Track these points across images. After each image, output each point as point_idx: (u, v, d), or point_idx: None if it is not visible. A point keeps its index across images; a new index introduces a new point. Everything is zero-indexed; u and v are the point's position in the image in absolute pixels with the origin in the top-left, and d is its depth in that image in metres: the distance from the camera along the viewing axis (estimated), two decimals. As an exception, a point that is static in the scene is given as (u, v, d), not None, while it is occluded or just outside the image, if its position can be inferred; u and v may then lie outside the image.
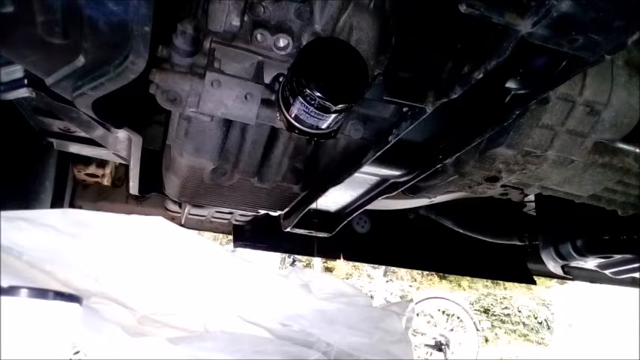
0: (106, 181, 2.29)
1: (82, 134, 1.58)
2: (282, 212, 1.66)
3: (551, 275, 2.49)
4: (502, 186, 1.40)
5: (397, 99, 1.00)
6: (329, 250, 2.70)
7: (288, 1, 0.98)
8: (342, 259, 2.72)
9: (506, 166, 1.26)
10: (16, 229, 1.22)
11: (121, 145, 1.52)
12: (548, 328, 10.62)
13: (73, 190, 2.38)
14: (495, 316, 10.62)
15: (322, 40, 1.00)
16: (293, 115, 1.01)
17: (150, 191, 1.84)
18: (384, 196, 1.50)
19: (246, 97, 1.04)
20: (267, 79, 1.07)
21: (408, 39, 1.02)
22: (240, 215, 2.32)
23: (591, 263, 1.96)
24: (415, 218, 2.61)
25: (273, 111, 1.08)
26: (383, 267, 9.19)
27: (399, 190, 1.44)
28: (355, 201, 1.63)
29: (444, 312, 8.07)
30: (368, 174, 1.40)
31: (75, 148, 1.75)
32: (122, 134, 1.43)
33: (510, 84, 0.96)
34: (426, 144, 1.27)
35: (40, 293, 0.94)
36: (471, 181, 1.38)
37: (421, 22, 1.00)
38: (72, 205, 2.39)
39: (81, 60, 0.95)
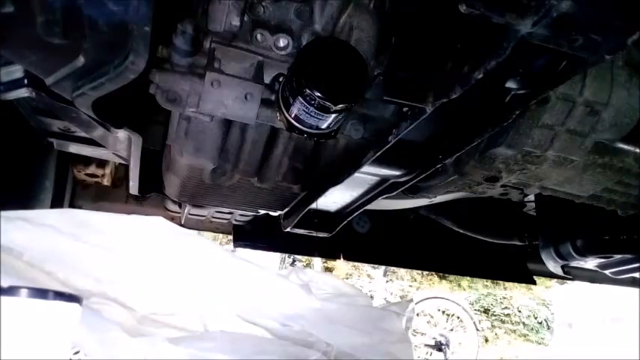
0: (106, 181, 2.29)
1: (82, 134, 1.57)
2: (282, 212, 1.66)
3: (551, 275, 2.49)
4: (502, 186, 1.40)
5: (397, 99, 1.00)
6: (329, 250, 2.69)
7: (288, 1, 0.98)
8: (342, 259, 2.72)
9: (506, 166, 1.26)
10: (16, 229, 1.22)
11: (121, 145, 1.52)
12: (548, 328, 10.60)
13: (73, 190, 2.38)
14: (495, 316, 10.61)
15: (322, 40, 1.00)
16: (293, 115, 1.01)
17: (150, 191, 1.84)
18: (384, 196, 1.50)
19: (246, 97, 1.04)
20: (267, 79, 1.07)
21: (408, 39, 1.02)
22: (240, 215, 2.32)
23: (591, 263, 1.96)
24: (415, 218, 2.61)
25: (273, 111, 1.08)
26: (383, 267, 9.19)
27: (399, 190, 1.44)
28: (355, 201, 1.63)
29: (444, 312, 8.07)
30: (368, 174, 1.40)
31: (75, 148, 1.74)
32: (122, 134, 1.43)
33: (510, 84, 0.96)
34: (426, 144, 1.27)
35: (40, 293, 0.94)
36: (471, 181, 1.38)
37: (421, 22, 1.00)
38: (72, 205, 2.38)
39: (81, 60, 0.95)
